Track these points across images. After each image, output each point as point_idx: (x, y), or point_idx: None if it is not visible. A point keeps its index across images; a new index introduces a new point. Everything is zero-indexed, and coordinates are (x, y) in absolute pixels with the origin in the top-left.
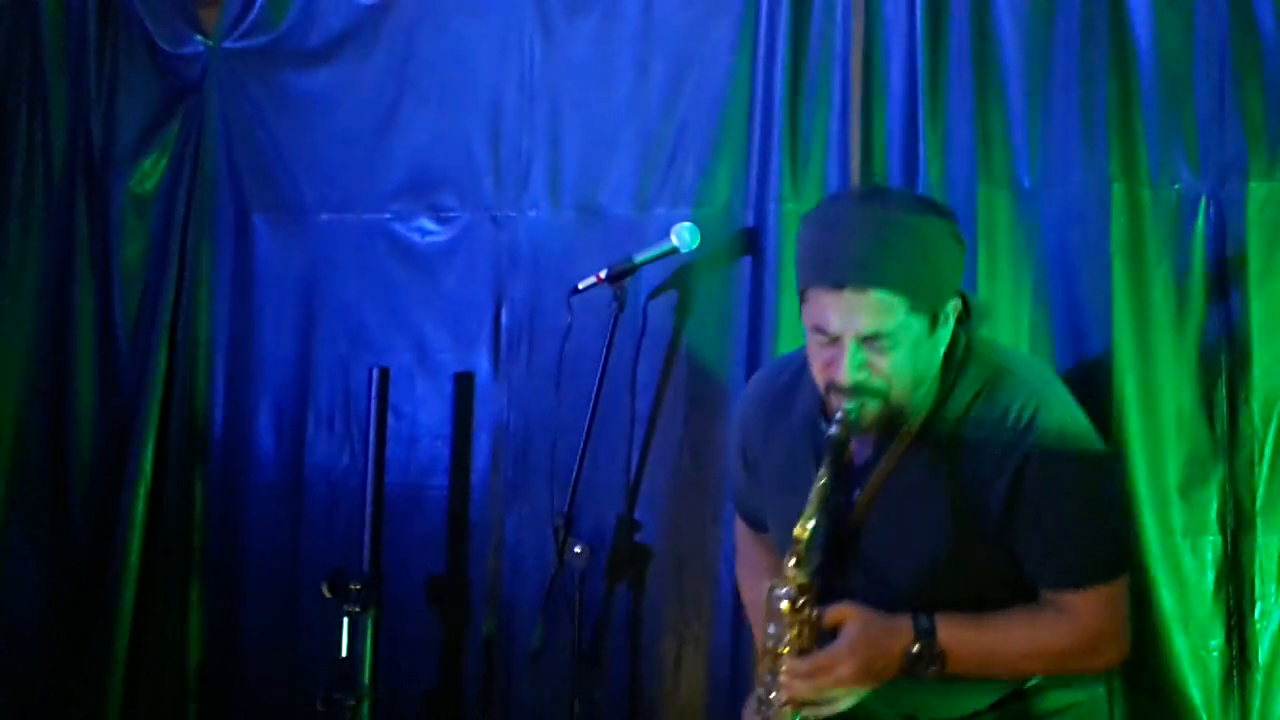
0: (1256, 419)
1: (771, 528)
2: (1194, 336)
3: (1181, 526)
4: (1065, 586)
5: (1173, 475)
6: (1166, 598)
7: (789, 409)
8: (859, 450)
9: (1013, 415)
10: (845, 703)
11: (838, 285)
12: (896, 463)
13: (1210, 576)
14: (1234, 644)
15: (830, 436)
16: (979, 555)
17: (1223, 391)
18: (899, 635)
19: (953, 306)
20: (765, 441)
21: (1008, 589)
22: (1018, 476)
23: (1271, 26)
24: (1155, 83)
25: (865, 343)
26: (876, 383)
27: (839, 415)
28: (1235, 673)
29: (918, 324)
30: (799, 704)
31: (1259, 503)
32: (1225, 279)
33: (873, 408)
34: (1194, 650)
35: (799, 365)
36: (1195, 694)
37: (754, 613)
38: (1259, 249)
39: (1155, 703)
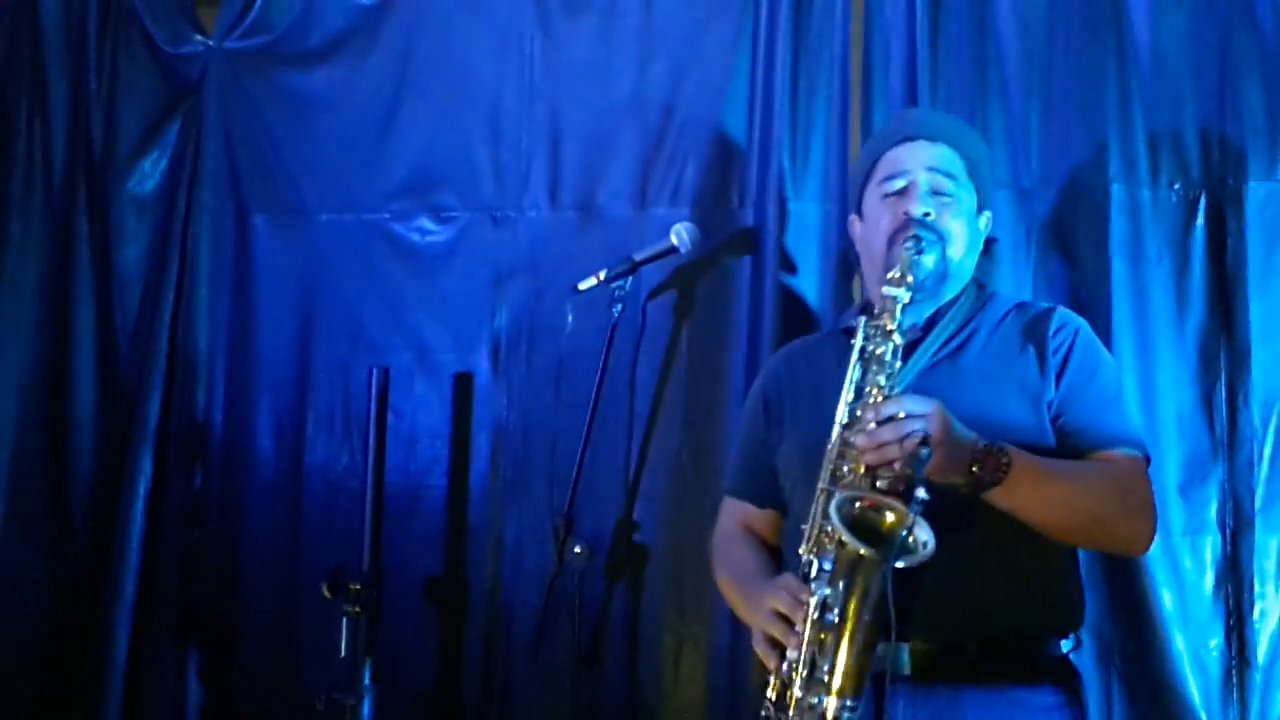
0: (1255, 419)
1: (792, 444)
2: (1194, 336)
3: (1181, 526)
4: (1112, 444)
5: (1172, 475)
6: (1166, 597)
7: (814, 352)
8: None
9: (1053, 314)
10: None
11: (911, 138)
12: (949, 338)
13: (1209, 576)
14: (1233, 643)
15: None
16: (1028, 427)
17: (1222, 392)
18: (969, 434)
19: (988, 219)
20: (790, 374)
21: None
22: (1070, 349)
23: (1271, 26)
24: (1155, 82)
25: (932, 195)
26: (942, 225)
27: (906, 244)
28: (1234, 672)
29: (970, 197)
30: (883, 458)
31: (1258, 502)
32: (1225, 279)
33: (932, 253)
34: (1193, 650)
35: (818, 333)
36: (1195, 693)
37: (740, 582)
38: (1258, 249)
39: (1155, 702)
